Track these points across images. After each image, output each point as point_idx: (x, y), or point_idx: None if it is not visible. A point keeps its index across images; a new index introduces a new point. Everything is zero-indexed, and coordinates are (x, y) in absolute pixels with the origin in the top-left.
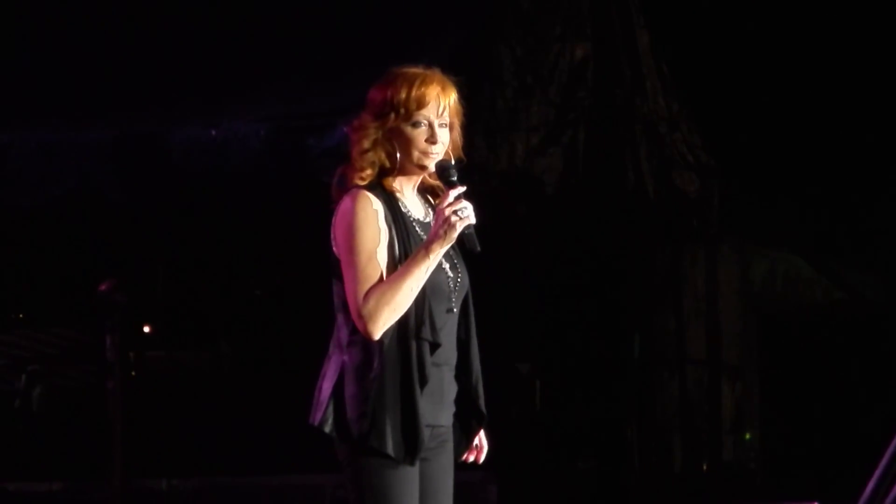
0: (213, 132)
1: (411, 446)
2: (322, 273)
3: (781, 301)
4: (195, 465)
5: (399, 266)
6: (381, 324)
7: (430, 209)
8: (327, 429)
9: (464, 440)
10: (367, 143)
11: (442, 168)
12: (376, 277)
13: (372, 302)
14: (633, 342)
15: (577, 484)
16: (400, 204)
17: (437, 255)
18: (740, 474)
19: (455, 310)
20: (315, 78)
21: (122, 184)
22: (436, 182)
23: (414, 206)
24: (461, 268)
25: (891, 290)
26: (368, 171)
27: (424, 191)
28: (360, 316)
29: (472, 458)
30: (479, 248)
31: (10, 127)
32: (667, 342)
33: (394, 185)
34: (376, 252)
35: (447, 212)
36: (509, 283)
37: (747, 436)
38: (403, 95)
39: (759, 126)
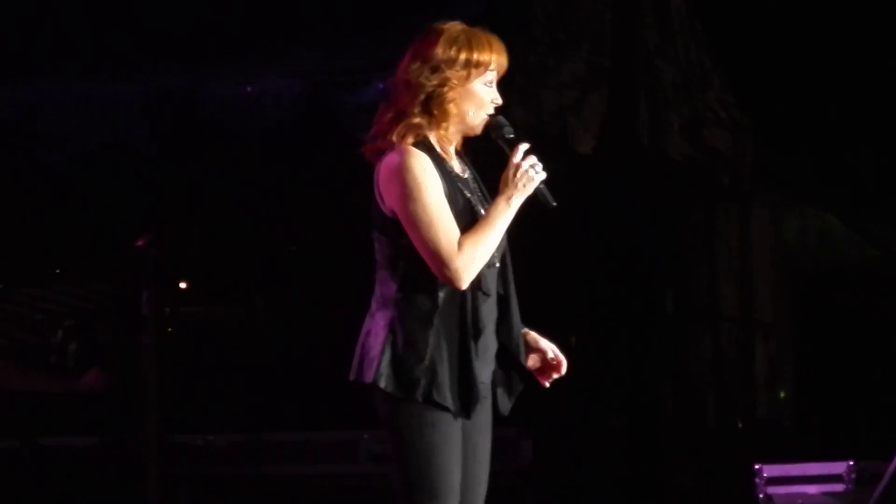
0: (248, 88)
1: (467, 400)
2: (356, 228)
3: (815, 258)
4: (230, 421)
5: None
6: (473, 273)
7: (465, 166)
8: (382, 383)
9: (506, 396)
10: (452, 97)
11: (500, 125)
12: (454, 227)
13: (466, 251)
14: (667, 299)
15: (610, 440)
16: (444, 160)
17: (516, 206)
18: (774, 432)
19: (497, 264)
20: (350, 33)
21: (156, 139)
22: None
23: (455, 164)
24: None
25: None
26: (423, 130)
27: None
28: (455, 268)
29: (555, 375)
30: (554, 203)
31: (44, 83)
32: (700, 299)
33: (439, 142)
34: (445, 203)
35: (525, 165)
36: (543, 241)
37: (781, 394)
38: (486, 56)
39: (792, 83)
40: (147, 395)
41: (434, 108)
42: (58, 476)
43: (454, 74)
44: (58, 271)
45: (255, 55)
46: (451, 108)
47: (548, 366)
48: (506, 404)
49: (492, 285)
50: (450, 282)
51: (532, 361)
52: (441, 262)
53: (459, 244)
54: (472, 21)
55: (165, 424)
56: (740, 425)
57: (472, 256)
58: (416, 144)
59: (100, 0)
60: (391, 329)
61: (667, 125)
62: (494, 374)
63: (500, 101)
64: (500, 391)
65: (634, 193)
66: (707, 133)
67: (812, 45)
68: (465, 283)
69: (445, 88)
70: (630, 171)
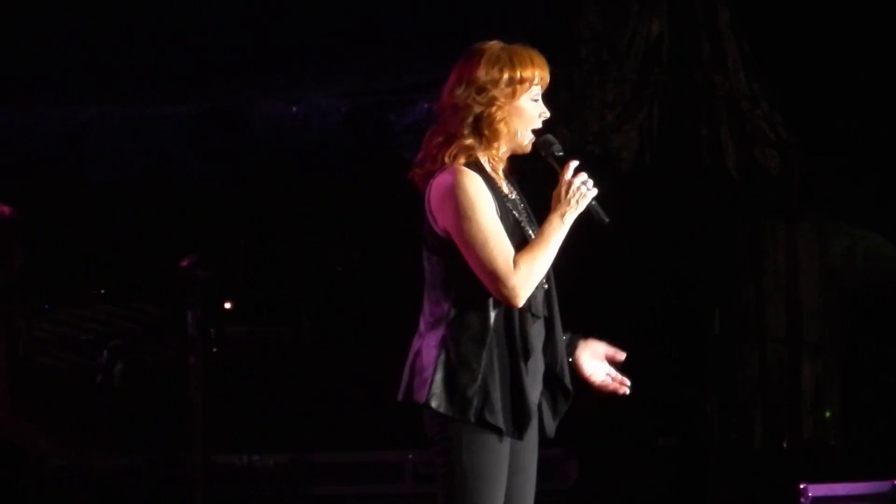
0: (295, 108)
1: (520, 421)
2: (402, 249)
3: (862, 278)
4: (276, 441)
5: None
6: (529, 291)
7: (512, 188)
8: (434, 403)
9: (551, 417)
10: (500, 117)
11: (548, 143)
12: (509, 246)
13: (523, 269)
14: (714, 318)
15: (657, 460)
16: (493, 180)
17: (569, 223)
18: (821, 452)
19: (545, 286)
20: (396, 53)
21: (203, 159)
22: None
23: (504, 184)
24: None
25: None
26: (475, 150)
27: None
28: (511, 285)
29: (624, 390)
30: (607, 219)
31: (92, 102)
32: (747, 318)
33: (490, 162)
34: (499, 223)
35: (577, 182)
36: (591, 261)
37: (827, 413)
38: (529, 72)
39: (840, 100)
40: (194, 416)
41: (484, 128)
42: (105, 496)
43: (501, 93)
44: (103, 292)
45: (301, 75)
46: (501, 126)
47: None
48: (551, 426)
49: (541, 307)
50: (507, 300)
51: (596, 371)
52: (498, 280)
53: (515, 262)
54: (517, 39)
55: (211, 444)
56: (786, 445)
57: (528, 274)
58: (467, 165)
59: (147, 21)
60: (444, 349)
61: (725, 143)
62: (541, 394)
63: (547, 114)
64: (545, 413)
65: (683, 212)
66: (757, 151)
67: (861, 62)
68: (521, 301)
69: (494, 108)
70: (680, 189)
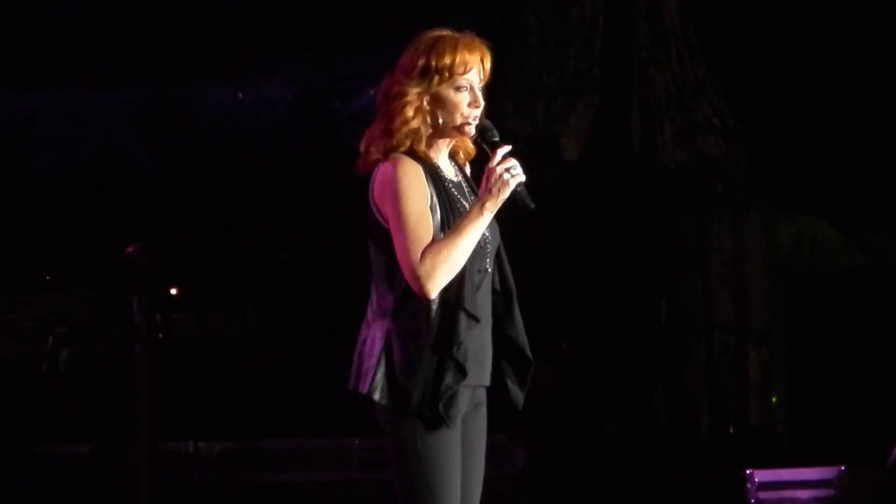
0: (241, 96)
1: (458, 408)
2: (349, 237)
3: (808, 266)
4: (222, 428)
5: (444, 227)
6: (438, 283)
7: (459, 172)
8: (377, 396)
9: (517, 388)
10: (410, 112)
11: (484, 129)
12: (428, 237)
13: (429, 261)
14: (661, 307)
15: (603, 448)
16: (436, 168)
17: (491, 213)
18: (767, 438)
19: (489, 269)
20: (342, 42)
21: (149, 147)
22: (463, 145)
23: (447, 170)
24: (492, 225)
25: None
26: (409, 139)
27: (450, 154)
28: (417, 276)
29: None
30: (533, 205)
31: (38, 91)
32: (693, 307)
33: (428, 150)
34: (425, 213)
35: (499, 170)
36: (536, 249)
37: (774, 400)
38: (448, 60)
39: (785, 91)
40: (139, 403)
41: (422, 117)
42: (51, 483)
43: (433, 82)
44: (48, 279)
45: (247, 63)
46: (433, 116)
47: None
48: (518, 396)
49: (487, 289)
50: (417, 291)
51: None
52: (407, 271)
53: (423, 254)
54: (467, 28)
55: (157, 431)
56: (733, 431)
57: (434, 266)
58: (408, 153)
59: (93, 10)
60: (387, 342)
61: (659, 132)
62: (503, 369)
63: (479, 104)
64: (511, 385)
65: (627, 201)
66: (701, 140)
67: (806, 53)
68: (430, 293)
69: (408, 98)
70: (623, 178)
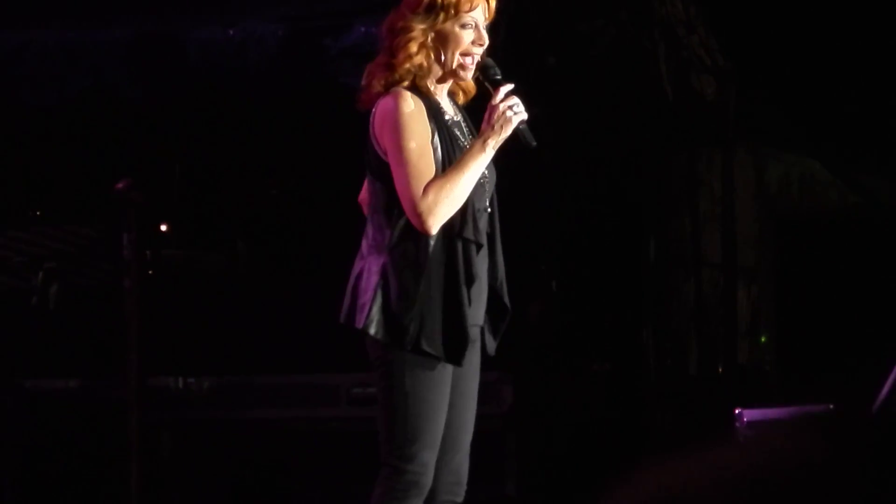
0: (231, 32)
1: (459, 346)
2: (339, 173)
3: (797, 204)
4: (211, 364)
5: (444, 164)
6: (440, 218)
7: (458, 110)
8: (372, 330)
9: (491, 336)
10: (414, 47)
11: (486, 67)
12: (431, 173)
13: (431, 196)
14: (649, 245)
15: (592, 386)
16: (437, 105)
17: (493, 149)
18: (755, 377)
19: (488, 208)
20: None
21: (139, 82)
22: (463, 83)
23: (447, 107)
24: (490, 165)
25: None
26: (411, 74)
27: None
28: (419, 211)
29: None
30: (534, 143)
31: (26, 25)
32: (682, 245)
33: (429, 86)
34: (427, 148)
35: (502, 107)
36: (525, 186)
37: (763, 339)
38: None
39: (776, 28)
40: (128, 339)
41: (425, 53)
42: (38, 418)
43: (438, 18)
44: (38, 214)
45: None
46: (437, 52)
47: None
48: (492, 344)
49: (485, 228)
50: (417, 226)
51: None
52: (408, 206)
53: (426, 189)
54: None
55: (146, 367)
56: (721, 370)
57: (436, 201)
58: (410, 89)
59: None
60: (383, 275)
61: (662, 66)
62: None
63: (484, 41)
64: (486, 332)
65: (618, 137)
66: (693, 78)
67: None
68: (431, 228)
69: (414, 34)
70: (616, 114)
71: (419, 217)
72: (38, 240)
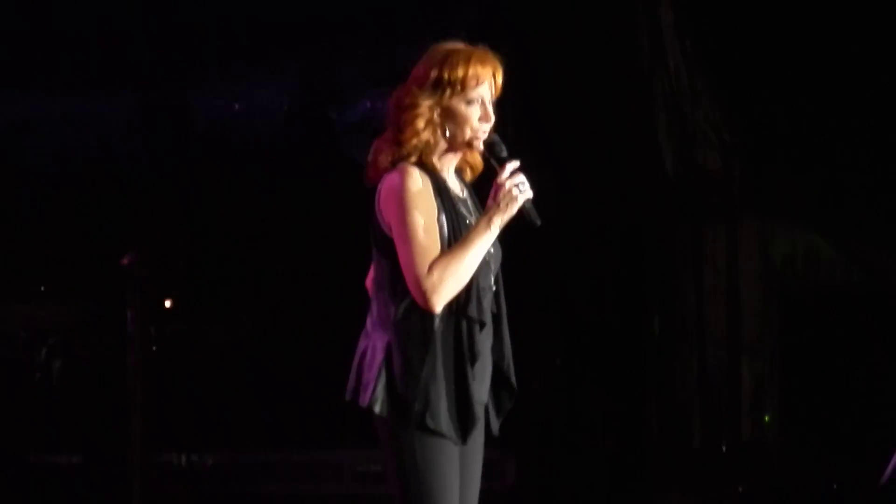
0: (237, 104)
1: (465, 425)
2: (344, 246)
3: (802, 280)
4: (214, 440)
5: (450, 241)
6: (445, 296)
7: (464, 187)
8: (377, 408)
9: (495, 415)
10: (421, 123)
11: (492, 144)
12: (436, 250)
13: (436, 274)
14: (653, 319)
15: (595, 461)
16: (443, 181)
17: (499, 227)
18: (759, 454)
19: (493, 286)
20: (339, 51)
21: (145, 154)
22: (471, 160)
23: (454, 184)
24: (496, 243)
25: None
26: (418, 150)
27: (456, 170)
28: (423, 289)
29: None
30: (539, 222)
31: (35, 96)
32: (687, 320)
33: (436, 163)
34: (433, 225)
35: (508, 185)
36: (531, 259)
37: (766, 416)
38: (461, 73)
39: (783, 103)
40: (132, 414)
41: (432, 129)
42: (43, 493)
43: (444, 95)
44: (43, 287)
45: (244, 71)
46: (443, 128)
47: None
48: (495, 424)
49: (487, 312)
50: (422, 304)
51: None
52: (413, 283)
53: (431, 266)
54: (458, 36)
55: (150, 443)
56: (725, 447)
57: (441, 279)
58: (417, 165)
59: (89, 15)
60: (388, 353)
61: (657, 144)
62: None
63: (490, 119)
64: (490, 411)
65: (622, 212)
66: (698, 153)
67: (802, 66)
68: (436, 306)
69: (421, 110)
70: (621, 188)
71: (424, 295)
72: (42, 314)
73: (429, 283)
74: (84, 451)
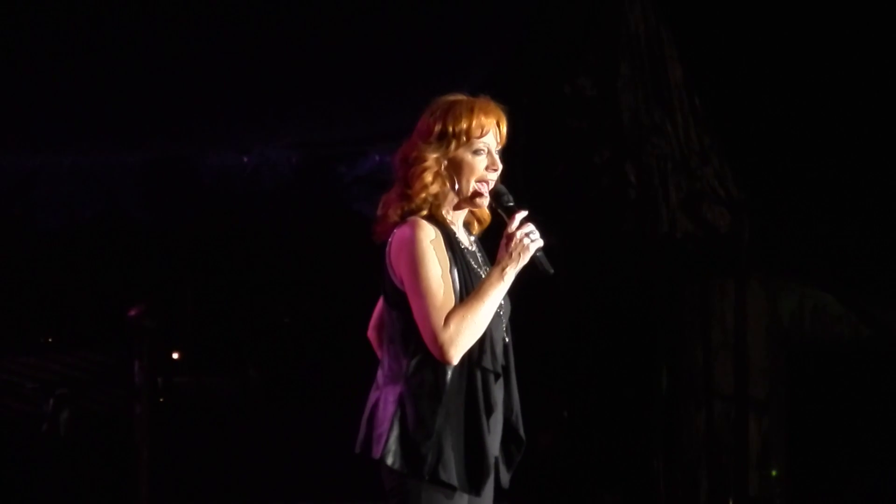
0: (245, 158)
1: (478, 477)
2: (352, 301)
3: (809, 336)
4: (223, 493)
5: (462, 294)
6: (462, 348)
7: (472, 240)
8: (390, 460)
9: (505, 469)
10: (429, 177)
11: (498, 194)
12: (451, 303)
13: (452, 326)
14: (661, 375)
15: None
16: (453, 234)
17: (511, 277)
18: None
19: (506, 338)
20: (347, 105)
21: (152, 208)
22: (478, 212)
23: (463, 237)
24: (505, 296)
25: None
26: (428, 203)
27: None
28: (440, 342)
29: None
30: (552, 271)
31: (40, 150)
32: (694, 376)
33: (445, 216)
34: (446, 278)
35: (519, 234)
36: (540, 313)
37: (773, 472)
38: (465, 124)
39: (790, 161)
40: (139, 465)
41: (440, 182)
42: None
43: (450, 147)
44: (50, 339)
45: (251, 125)
46: (427, 178)
47: None
48: (505, 477)
49: (500, 363)
50: (438, 357)
51: None
52: (429, 336)
53: (447, 319)
54: (466, 90)
55: (156, 495)
56: (732, 503)
57: (458, 331)
58: (426, 218)
59: (96, 70)
60: (400, 405)
61: (664, 201)
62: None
63: (497, 167)
64: (500, 464)
65: (629, 269)
66: (706, 209)
67: (810, 124)
68: (453, 359)
69: (428, 163)
70: (629, 245)
71: (441, 348)
72: (49, 366)
73: (446, 336)
74: (91, 503)
